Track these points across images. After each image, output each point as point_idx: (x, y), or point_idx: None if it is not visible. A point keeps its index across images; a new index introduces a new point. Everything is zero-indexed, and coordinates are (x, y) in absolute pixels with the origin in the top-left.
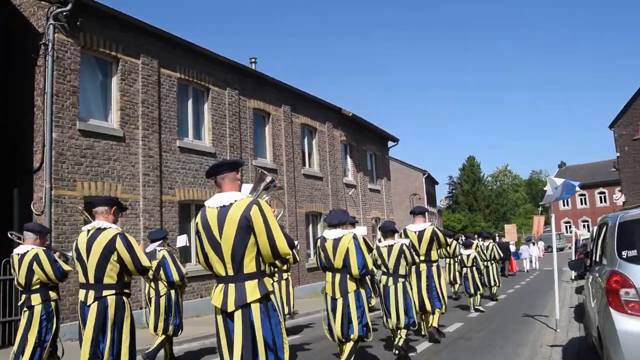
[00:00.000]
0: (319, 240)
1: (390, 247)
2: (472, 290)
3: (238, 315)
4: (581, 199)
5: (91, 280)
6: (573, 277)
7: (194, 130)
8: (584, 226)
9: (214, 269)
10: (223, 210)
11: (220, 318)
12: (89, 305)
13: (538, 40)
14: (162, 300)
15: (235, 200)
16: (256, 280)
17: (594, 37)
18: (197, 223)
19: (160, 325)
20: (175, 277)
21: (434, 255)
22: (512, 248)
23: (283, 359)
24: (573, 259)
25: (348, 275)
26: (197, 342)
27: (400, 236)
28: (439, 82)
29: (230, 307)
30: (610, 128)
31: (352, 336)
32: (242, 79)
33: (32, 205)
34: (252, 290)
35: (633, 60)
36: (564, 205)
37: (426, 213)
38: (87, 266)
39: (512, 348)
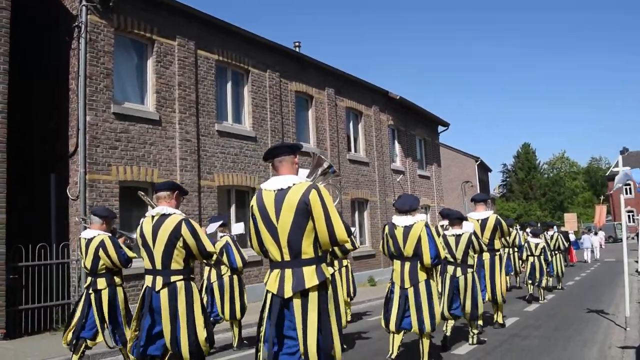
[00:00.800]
0: (387, 227)
1: (458, 237)
2: (539, 280)
3: (297, 302)
4: None
5: (158, 266)
6: (639, 269)
7: (234, 114)
8: None
9: (269, 254)
10: (281, 194)
11: (273, 304)
12: (158, 291)
13: (598, 23)
14: (226, 284)
15: (294, 184)
16: (314, 266)
17: None
18: (252, 206)
19: (227, 309)
20: (239, 263)
21: (497, 244)
22: (572, 237)
23: (334, 348)
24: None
25: (419, 264)
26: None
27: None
28: (491, 66)
29: (288, 293)
30: None
31: (425, 330)
32: (283, 61)
33: (67, 190)
34: (310, 276)
35: None
36: (626, 193)
37: (488, 201)
38: (153, 252)
39: (576, 349)
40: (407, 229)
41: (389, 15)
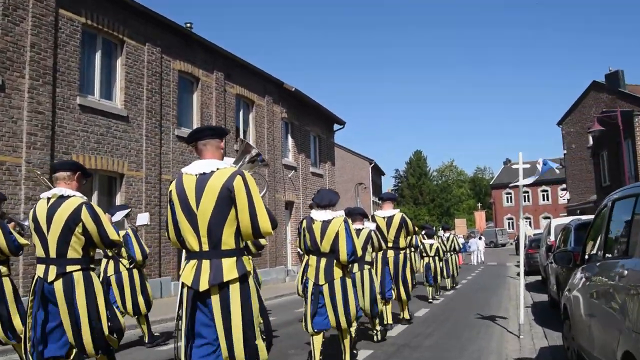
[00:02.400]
0: (304, 221)
1: (357, 232)
2: (433, 281)
3: (215, 295)
4: (524, 196)
5: (52, 255)
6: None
7: (102, 88)
8: (528, 223)
9: (186, 243)
10: (202, 178)
11: (188, 296)
12: (51, 283)
13: (485, 40)
14: (125, 280)
15: (218, 169)
16: (234, 258)
17: (541, 35)
18: (170, 191)
19: (129, 304)
20: (139, 256)
21: (402, 242)
22: (462, 241)
23: (257, 349)
24: (518, 254)
25: (335, 261)
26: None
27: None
28: (388, 76)
29: (203, 286)
30: (559, 125)
31: (342, 327)
32: (166, 36)
33: None
34: (229, 268)
35: (582, 57)
36: (507, 202)
37: (395, 200)
38: (47, 239)
39: None
40: (326, 224)
41: (288, 7)
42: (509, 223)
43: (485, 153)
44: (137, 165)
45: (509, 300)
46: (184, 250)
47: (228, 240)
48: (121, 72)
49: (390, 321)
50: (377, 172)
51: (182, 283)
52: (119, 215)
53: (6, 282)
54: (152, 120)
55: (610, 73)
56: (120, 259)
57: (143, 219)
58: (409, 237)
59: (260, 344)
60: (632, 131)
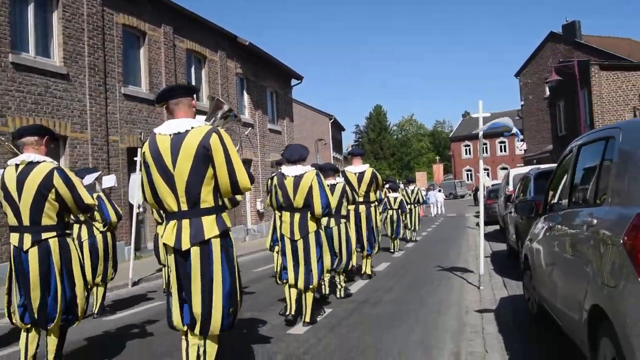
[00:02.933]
0: (275, 178)
1: (332, 187)
2: (395, 232)
3: (195, 254)
4: (483, 148)
5: (26, 222)
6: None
7: (38, 45)
8: (486, 174)
9: (164, 204)
10: (177, 138)
11: (171, 257)
12: (27, 251)
13: None
14: (100, 243)
15: (192, 127)
16: (214, 216)
17: None
18: (143, 152)
19: (100, 269)
20: (113, 217)
21: (372, 196)
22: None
23: (238, 304)
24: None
25: (309, 215)
26: (125, 290)
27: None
28: (345, 25)
29: (185, 245)
30: (516, 76)
31: (310, 286)
32: None
33: None
34: (210, 226)
35: (540, 9)
36: (465, 154)
37: (363, 155)
38: (19, 206)
39: (431, 317)
40: (298, 179)
41: None
42: (467, 175)
43: (445, 107)
44: (82, 127)
45: (468, 251)
46: (135, 215)
47: (207, 199)
48: (58, 27)
49: (369, 272)
50: (337, 127)
51: (164, 244)
52: (89, 179)
53: None
54: (95, 78)
55: (567, 24)
56: (94, 223)
57: (110, 180)
58: (378, 192)
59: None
60: (589, 81)
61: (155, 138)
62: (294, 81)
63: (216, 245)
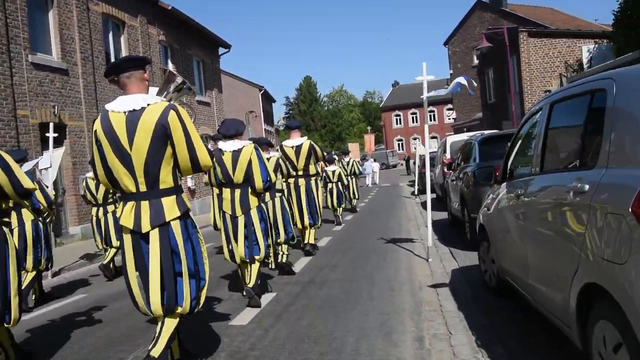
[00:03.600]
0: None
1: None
2: (337, 205)
3: (155, 236)
4: (412, 118)
5: None
6: (416, 192)
7: None
8: (414, 144)
9: (120, 185)
10: (133, 116)
11: (129, 239)
12: None
13: None
14: (28, 231)
15: (148, 104)
16: (174, 196)
17: None
18: (95, 130)
19: (30, 259)
20: (43, 202)
21: (312, 169)
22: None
23: (204, 283)
24: (410, 174)
25: (250, 190)
26: (45, 282)
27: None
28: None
29: (146, 227)
30: (445, 45)
31: (257, 257)
32: None
33: None
34: (170, 207)
35: None
36: (396, 124)
37: (301, 128)
38: None
39: (384, 296)
40: (236, 154)
41: None
42: (398, 144)
43: (374, 77)
44: None
45: (408, 221)
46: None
47: (166, 179)
48: None
49: (312, 242)
50: (268, 99)
51: (121, 226)
52: (28, 165)
53: None
54: None
55: None
56: (22, 209)
57: (45, 161)
58: (319, 164)
59: (206, 269)
60: (517, 48)
61: (107, 115)
62: (221, 50)
63: (176, 226)
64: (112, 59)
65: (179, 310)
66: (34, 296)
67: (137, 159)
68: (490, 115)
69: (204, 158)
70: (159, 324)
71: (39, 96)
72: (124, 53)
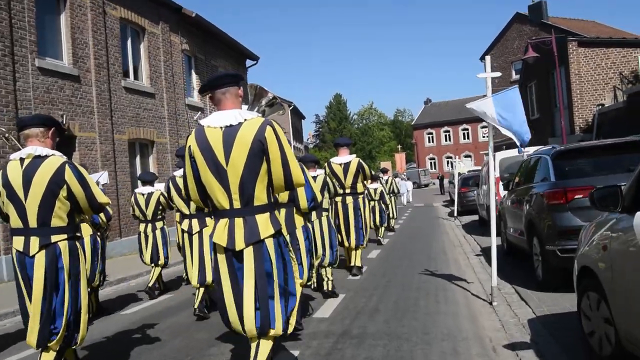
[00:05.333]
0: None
1: (313, 179)
2: (379, 223)
3: (249, 254)
4: (446, 136)
5: (32, 224)
6: (455, 214)
7: None
8: (448, 163)
9: (214, 202)
10: (230, 131)
11: (222, 258)
12: (33, 256)
13: None
14: (87, 245)
15: (245, 120)
16: (268, 214)
17: None
18: (189, 146)
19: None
20: (102, 218)
21: (359, 187)
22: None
23: (294, 304)
24: (444, 194)
25: (294, 210)
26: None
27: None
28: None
29: (240, 245)
30: (481, 60)
31: (301, 281)
32: None
33: None
34: (264, 224)
35: None
36: (429, 142)
37: (350, 145)
38: (25, 206)
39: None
40: None
41: None
42: (431, 163)
43: (404, 95)
44: None
45: (453, 247)
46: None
47: (260, 196)
48: None
49: (359, 264)
50: (297, 115)
51: (214, 244)
52: (97, 177)
53: None
54: None
55: (533, 4)
56: (82, 223)
57: (103, 178)
58: (367, 182)
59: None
60: (566, 59)
61: (203, 131)
62: (249, 62)
63: (270, 244)
64: (130, 67)
65: (272, 332)
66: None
67: (233, 175)
68: (533, 133)
69: (297, 175)
70: (254, 345)
71: (45, 104)
72: (143, 61)
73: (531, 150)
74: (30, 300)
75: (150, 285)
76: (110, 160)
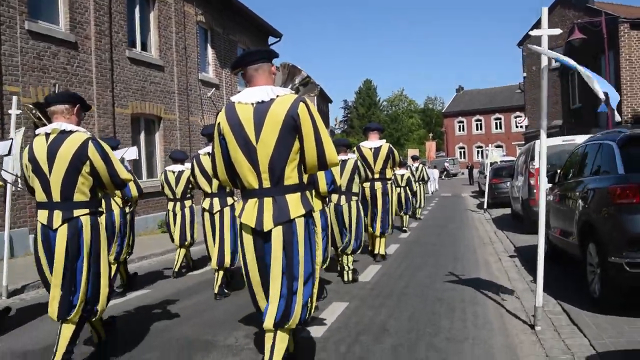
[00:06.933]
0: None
1: (343, 163)
2: (404, 212)
3: (277, 235)
4: (477, 125)
5: (56, 198)
6: (485, 206)
7: None
8: (478, 152)
9: (243, 181)
10: (261, 107)
11: (249, 239)
12: (56, 229)
13: None
14: (117, 219)
15: (278, 96)
16: (299, 194)
17: None
18: (218, 123)
19: (113, 249)
20: (134, 192)
21: (388, 173)
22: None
23: (312, 288)
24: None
25: (314, 192)
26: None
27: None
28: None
29: (268, 226)
30: (519, 46)
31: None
32: None
33: None
34: (295, 204)
35: None
36: (459, 130)
37: (381, 131)
38: (49, 180)
39: None
40: None
41: None
42: (460, 152)
43: (436, 82)
44: None
45: (483, 246)
46: (9, 193)
47: (291, 175)
48: None
49: (383, 252)
50: (324, 99)
51: (242, 224)
52: (121, 154)
53: None
54: None
55: None
56: (113, 198)
57: (132, 153)
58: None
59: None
60: (616, 42)
61: (234, 107)
62: (271, 39)
63: (300, 225)
64: (137, 37)
65: (287, 325)
66: (121, 282)
67: (263, 153)
68: (574, 122)
69: (331, 154)
70: (269, 338)
71: (35, 70)
72: (152, 31)
73: (577, 139)
74: (51, 273)
75: (176, 270)
76: (108, 136)
